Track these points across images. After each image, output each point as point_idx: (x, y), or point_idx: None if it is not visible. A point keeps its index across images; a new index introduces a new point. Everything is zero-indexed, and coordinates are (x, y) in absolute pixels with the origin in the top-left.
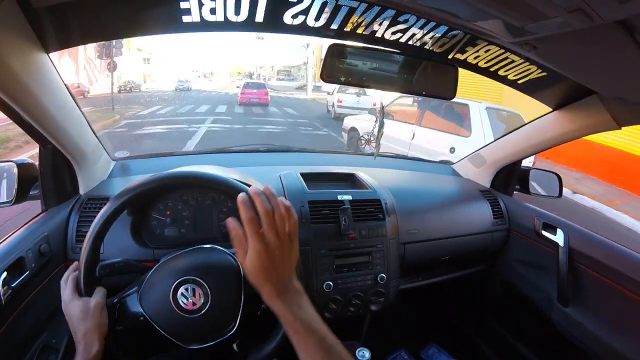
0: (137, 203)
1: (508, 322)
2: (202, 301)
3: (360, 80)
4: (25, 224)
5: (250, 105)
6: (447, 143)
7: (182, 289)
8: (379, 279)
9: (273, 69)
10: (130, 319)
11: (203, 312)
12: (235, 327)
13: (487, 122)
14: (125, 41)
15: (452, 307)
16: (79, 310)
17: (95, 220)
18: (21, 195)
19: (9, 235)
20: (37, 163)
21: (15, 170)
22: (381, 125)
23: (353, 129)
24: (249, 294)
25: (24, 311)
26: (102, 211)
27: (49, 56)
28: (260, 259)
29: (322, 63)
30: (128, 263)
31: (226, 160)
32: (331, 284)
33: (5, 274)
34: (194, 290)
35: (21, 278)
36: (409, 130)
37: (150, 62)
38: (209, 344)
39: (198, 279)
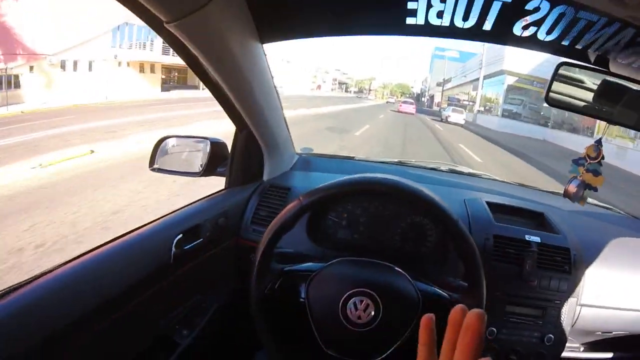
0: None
1: None
2: (368, 320)
3: (586, 108)
4: (207, 196)
5: None
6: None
7: (355, 299)
8: (546, 339)
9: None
10: (290, 294)
11: (364, 330)
12: (381, 357)
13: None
14: None
15: None
16: None
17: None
18: (209, 170)
19: (192, 203)
20: (228, 143)
21: (209, 147)
22: (595, 170)
23: None
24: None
25: (188, 271)
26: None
27: (262, 47)
28: None
29: (547, 84)
30: (302, 255)
31: (407, 174)
32: (495, 330)
33: (180, 235)
34: (367, 305)
35: (194, 243)
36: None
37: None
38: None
39: (376, 297)
